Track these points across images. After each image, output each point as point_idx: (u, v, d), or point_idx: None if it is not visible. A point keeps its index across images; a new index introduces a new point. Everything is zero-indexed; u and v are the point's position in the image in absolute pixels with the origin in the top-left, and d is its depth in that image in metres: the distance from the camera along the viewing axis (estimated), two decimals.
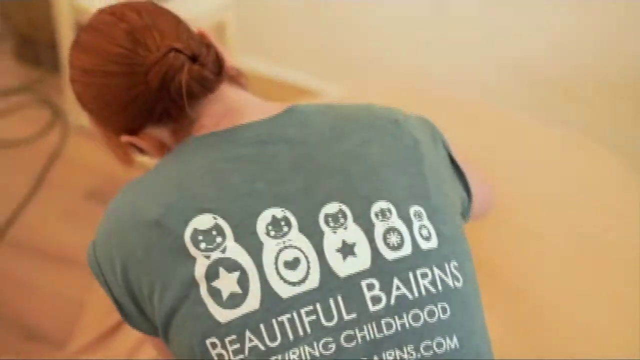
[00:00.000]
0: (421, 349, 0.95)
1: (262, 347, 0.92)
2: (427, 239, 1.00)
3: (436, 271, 0.98)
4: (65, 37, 2.70)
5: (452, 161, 1.13)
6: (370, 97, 1.86)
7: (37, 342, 2.18)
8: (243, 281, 0.93)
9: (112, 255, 1.00)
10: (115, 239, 1.00)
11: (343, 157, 1.01)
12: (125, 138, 1.09)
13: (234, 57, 2.73)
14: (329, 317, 0.93)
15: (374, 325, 0.94)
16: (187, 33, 1.07)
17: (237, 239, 0.95)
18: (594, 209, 1.66)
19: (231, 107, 1.07)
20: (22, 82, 3.14)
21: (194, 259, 0.94)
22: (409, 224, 0.99)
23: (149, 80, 1.01)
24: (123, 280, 1.00)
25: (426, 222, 1.01)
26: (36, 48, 3.10)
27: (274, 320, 0.93)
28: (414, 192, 1.02)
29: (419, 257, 0.99)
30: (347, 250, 0.96)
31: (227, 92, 1.09)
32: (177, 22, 1.08)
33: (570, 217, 1.64)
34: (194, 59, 1.03)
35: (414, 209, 1.01)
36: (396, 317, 0.95)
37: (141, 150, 1.14)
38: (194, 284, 0.94)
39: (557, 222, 1.63)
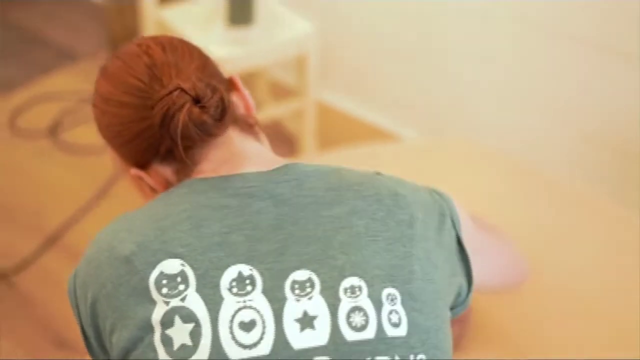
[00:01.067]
0: None
1: None
2: (396, 325, 0.94)
3: None
4: None
5: (460, 245, 1.07)
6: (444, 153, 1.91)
7: (67, 349, 2.19)
8: (195, 334, 0.91)
9: (87, 284, 0.99)
10: (93, 269, 0.99)
11: (327, 225, 0.97)
12: (134, 171, 1.10)
13: (310, 90, 2.71)
14: None
15: None
16: (204, 74, 1.06)
17: (199, 289, 0.92)
18: None
19: (233, 155, 1.05)
20: None
21: (154, 303, 0.93)
22: (378, 305, 0.94)
23: (153, 115, 1.01)
24: (91, 311, 0.99)
25: (399, 307, 0.95)
26: None
27: None
28: (393, 273, 0.96)
29: (382, 344, 0.92)
30: (306, 321, 0.92)
31: (234, 139, 1.07)
32: (200, 61, 1.08)
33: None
34: (197, 100, 1.01)
35: (388, 290, 0.95)
36: None
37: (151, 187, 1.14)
38: (150, 329, 0.92)
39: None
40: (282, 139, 2.97)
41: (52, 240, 2.51)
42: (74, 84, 3.20)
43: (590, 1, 2.29)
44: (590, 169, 2.51)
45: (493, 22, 2.55)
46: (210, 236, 0.95)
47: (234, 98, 1.11)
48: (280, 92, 3.04)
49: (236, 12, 2.45)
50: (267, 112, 2.87)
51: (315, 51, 2.67)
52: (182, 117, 0.99)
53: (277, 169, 1.03)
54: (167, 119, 1.00)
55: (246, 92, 1.13)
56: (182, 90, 1.00)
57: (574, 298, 1.52)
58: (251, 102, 1.13)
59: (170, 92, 1.00)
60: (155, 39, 1.10)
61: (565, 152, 2.56)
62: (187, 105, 0.99)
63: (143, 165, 1.09)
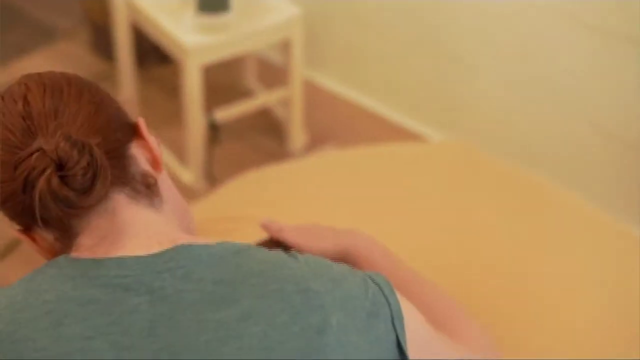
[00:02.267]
0: None
1: None
2: None
3: None
4: (122, 35, 2.55)
5: (401, 349, 0.90)
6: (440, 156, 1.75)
7: None
8: None
9: None
10: None
11: (212, 333, 0.81)
12: (18, 232, 0.94)
13: (297, 75, 2.52)
14: None
15: None
16: (94, 123, 0.89)
17: None
18: None
19: (114, 229, 0.89)
20: (87, 75, 3.01)
21: None
22: None
23: (16, 178, 0.84)
24: None
25: None
26: (110, 39, 2.97)
27: None
28: None
29: None
30: None
31: (119, 207, 0.90)
32: (91, 107, 0.90)
33: None
34: (60, 165, 0.83)
35: None
36: None
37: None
38: None
39: None
40: (272, 128, 2.80)
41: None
42: (50, 68, 3.00)
43: None
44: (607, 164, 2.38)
45: (502, 10, 2.38)
46: (69, 340, 0.81)
47: (135, 150, 0.93)
48: (274, 73, 2.86)
49: None
50: (255, 101, 2.70)
51: (301, 36, 2.48)
52: (39, 186, 0.81)
53: (162, 253, 0.86)
54: (28, 185, 0.83)
55: (152, 140, 0.95)
56: (44, 152, 0.82)
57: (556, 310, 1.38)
58: (158, 152, 0.95)
59: (31, 154, 0.83)
60: (40, 77, 0.91)
61: (583, 148, 2.42)
62: (48, 172, 0.82)
63: (27, 227, 0.93)
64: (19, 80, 0.92)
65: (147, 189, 0.92)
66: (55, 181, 0.81)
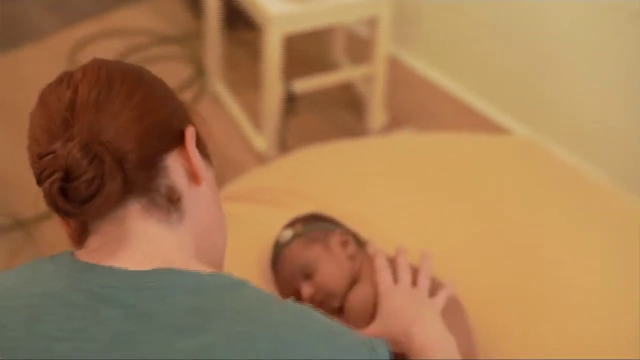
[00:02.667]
0: None
1: None
2: None
3: None
4: None
5: None
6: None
7: None
8: None
9: None
10: None
11: (171, 358, 0.79)
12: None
13: (381, 52, 2.47)
14: None
15: None
16: (135, 126, 0.86)
17: None
18: None
19: (117, 237, 0.88)
20: (179, 32, 3.04)
21: None
22: None
23: (36, 168, 0.85)
24: None
25: None
26: None
27: None
28: None
29: None
30: None
31: (131, 217, 0.88)
32: (140, 109, 0.88)
33: None
34: (67, 173, 0.82)
35: None
36: None
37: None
38: None
39: None
40: (353, 104, 2.77)
41: None
42: (144, 22, 3.06)
43: None
44: None
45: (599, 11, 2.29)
46: (40, 337, 0.81)
47: (172, 160, 0.90)
48: (363, 48, 2.83)
49: None
50: (336, 74, 2.67)
51: (388, 14, 2.44)
52: (44, 187, 0.82)
53: (150, 271, 0.84)
54: (40, 181, 0.84)
55: (195, 153, 0.91)
56: (56, 156, 0.82)
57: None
58: (198, 166, 0.91)
59: (47, 154, 0.83)
60: (99, 68, 0.89)
61: None
62: (54, 176, 0.81)
63: None
64: (84, 66, 0.91)
65: (167, 203, 0.89)
66: (55, 188, 0.81)
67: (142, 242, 0.87)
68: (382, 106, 2.65)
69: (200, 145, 0.94)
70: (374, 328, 1.18)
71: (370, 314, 1.19)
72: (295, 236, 1.27)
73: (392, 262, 1.24)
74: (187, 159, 0.90)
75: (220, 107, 2.73)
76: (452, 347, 1.13)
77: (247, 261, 1.34)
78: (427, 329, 1.14)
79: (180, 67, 2.90)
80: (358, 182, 1.56)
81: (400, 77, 2.84)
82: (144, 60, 2.83)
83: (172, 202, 0.89)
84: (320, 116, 2.72)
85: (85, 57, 2.89)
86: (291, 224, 1.30)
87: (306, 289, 1.22)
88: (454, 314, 1.22)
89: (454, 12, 2.72)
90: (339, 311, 1.24)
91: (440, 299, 1.20)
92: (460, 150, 1.70)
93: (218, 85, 2.78)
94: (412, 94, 2.83)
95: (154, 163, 0.87)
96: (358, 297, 1.22)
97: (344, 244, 1.27)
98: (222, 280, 0.85)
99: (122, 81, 0.88)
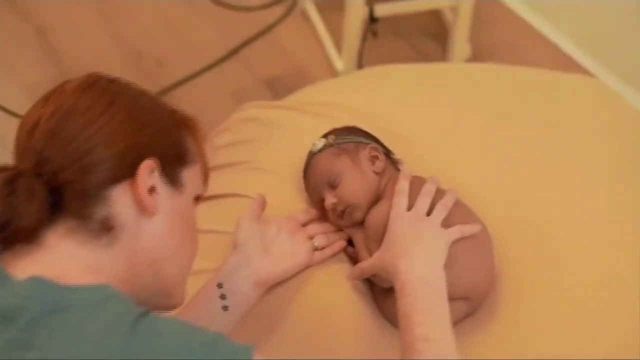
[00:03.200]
0: None
1: None
2: None
3: None
4: None
5: None
6: None
7: None
8: None
9: None
10: None
11: None
12: None
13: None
14: None
15: None
16: (76, 158, 0.88)
17: None
18: None
19: (30, 248, 0.87)
20: None
21: None
22: None
23: None
24: None
25: None
26: None
27: None
28: None
29: None
30: None
31: (52, 234, 0.88)
32: (92, 142, 0.88)
33: None
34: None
35: None
36: None
37: None
38: None
39: None
40: (438, 33, 2.76)
41: (161, 93, 2.50)
42: None
43: None
44: None
45: None
46: None
47: (120, 191, 0.89)
48: None
49: None
50: (423, 2, 2.66)
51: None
52: None
53: (19, 282, 0.83)
54: None
55: (146, 187, 0.90)
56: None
57: None
58: (146, 199, 0.90)
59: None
60: (76, 89, 0.91)
61: None
62: None
63: None
64: (64, 86, 0.92)
65: (99, 229, 0.88)
66: None
67: (45, 255, 0.86)
68: (466, 38, 2.63)
69: (172, 172, 0.93)
70: (375, 256, 1.17)
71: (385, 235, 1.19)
72: (327, 146, 1.29)
73: (418, 187, 1.22)
74: (137, 191, 0.89)
75: (307, 25, 2.77)
76: (435, 287, 1.07)
77: (281, 167, 1.39)
78: (414, 264, 1.09)
79: None
80: (410, 103, 1.57)
81: (490, 11, 2.80)
82: None
83: (104, 229, 0.88)
84: (404, 42, 2.72)
85: None
86: (326, 135, 1.33)
87: (329, 199, 1.25)
88: (473, 248, 1.20)
89: None
90: (361, 225, 1.25)
91: (455, 230, 1.16)
92: (520, 83, 1.69)
93: (307, 3, 2.81)
94: (500, 30, 2.79)
95: (95, 193, 0.88)
96: (376, 214, 1.23)
97: (373, 158, 1.28)
98: (91, 296, 0.82)
99: (85, 111, 0.89)
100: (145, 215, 0.90)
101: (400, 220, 1.18)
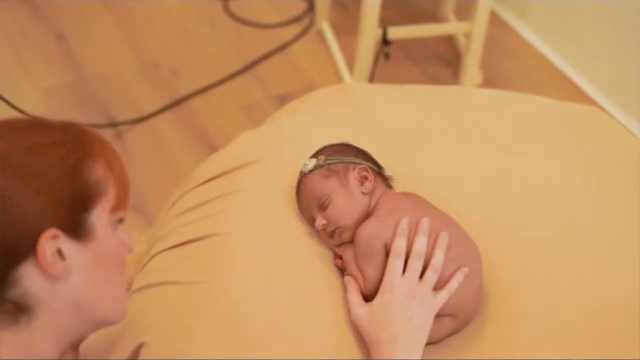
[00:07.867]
0: None
1: None
2: None
3: None
4: None
5: None
6: None
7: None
8: None
9: None
10: None
11: None
12: None
13: (483, 9, 2.48)
14: None
15: None
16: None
17: None
18: None
19: None
20: None
21: None
22: None
23: None
24: None
25: None
26: None
27: None
28: None
29: None
30: None
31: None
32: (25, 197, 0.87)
33: None
34: None
35: None
36: None
37: None
38: None
39: None
40: (451, 59, 2.80)
41: (175, 103, 2.54)
42: None
43: None
44: None
45: None
46: None
47: (27, 268, 0.88)
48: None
49: None
50: (435, 27, 2.70)
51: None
52: None
53: None
54: None
55: (48, 259, 0.88)
56: None
57: None
58: (52, 270, 0.89)
59: None
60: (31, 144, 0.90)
61: None
62: None
63: None
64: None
65: (15, 310, 0.88)
66: None
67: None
68: (478, 65, 2.66)
69: (77, 226, 0.91)
70: (361, 313, 1.18)
71: (377, 251, 1.21)
72: (317, 167, 1.30)
73: (410, 206, 1.24)
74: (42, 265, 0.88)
75: (322, 45, 2.81)
76: None
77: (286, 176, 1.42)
78: (395, 345, 1.11)
79: (297, 1, 3.02)
80: (404, 123, 1.60)
81: (502, 39, 2.84)
82: None
83: (20, 309, 0.88)
84: (415, 66, 2.76)
85: None
86: (316, 154, 1.34)
87: (319, 220, 1.27)
88: (462, 266, 1.22)
89: None
90: (351, 242, 1.26)
91: (443, 295, 1.18)
92: (520, 109, 1.71)
93: (324, 24, 2.86)
94: (512, 58, 2.82)
95: (3, 276, 0.87)
96: (364, 231, 1.24)
97: (362, 179, 1.29)
98: None
99: (38, 167, 0.88)
100: (59, 281, 0.90)
101: (395, 290, 1.17)
